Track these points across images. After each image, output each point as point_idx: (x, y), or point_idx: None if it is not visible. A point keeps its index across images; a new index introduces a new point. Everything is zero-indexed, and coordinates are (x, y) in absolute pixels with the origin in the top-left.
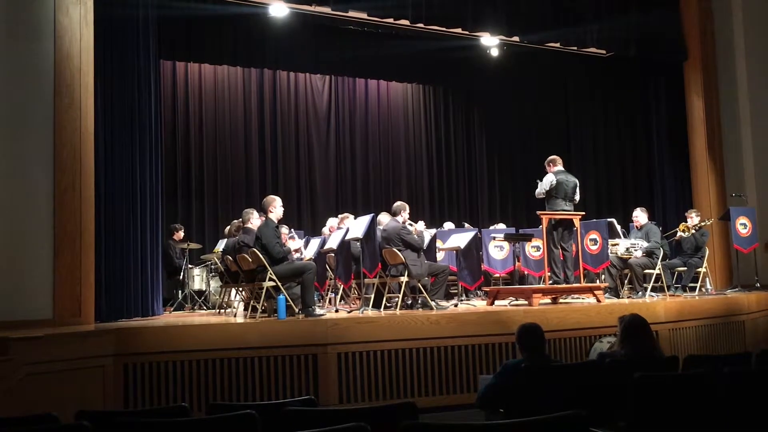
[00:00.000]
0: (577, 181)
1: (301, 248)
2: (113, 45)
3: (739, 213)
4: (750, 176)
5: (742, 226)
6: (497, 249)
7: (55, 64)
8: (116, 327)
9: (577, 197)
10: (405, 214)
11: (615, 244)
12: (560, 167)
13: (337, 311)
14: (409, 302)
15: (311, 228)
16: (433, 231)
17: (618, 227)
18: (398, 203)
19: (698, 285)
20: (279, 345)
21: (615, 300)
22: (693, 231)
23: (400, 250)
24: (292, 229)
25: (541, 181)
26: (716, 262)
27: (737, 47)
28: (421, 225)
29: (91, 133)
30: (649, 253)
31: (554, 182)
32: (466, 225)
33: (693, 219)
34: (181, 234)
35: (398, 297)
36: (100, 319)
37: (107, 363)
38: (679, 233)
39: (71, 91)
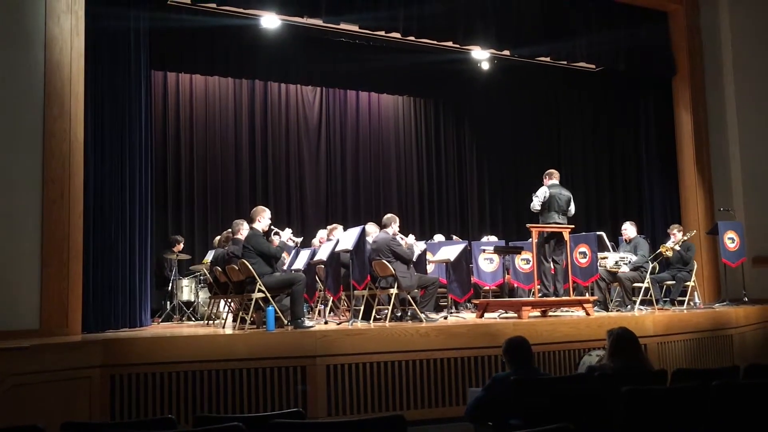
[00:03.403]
0: (571, 195)
1: (292, 237)
2: (104, 55)
3: (727, 227)
4: (738, 190)
5: (730, 240)
6: (487, 261)
7: (45, 74)
8: (103, 338)
9: (572, 211)
10: (395, 226)
11: (604, 258)
12: (555, 181)
13: (326, 323)
14: (399, 314)
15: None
16: (422, 244)
17: (607, 241)
18: (388, 215)
19: (687, 299)
20: (267, 357)
21: (604, 313)
22: (677, 247)
23: (389, 262)
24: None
25: (536, 194)
26: (704, 276)
27: (725, 62)
28: (411, 239)
29: (81, 143)
30: (638, 267)
31: (547, 195)
32: (455, 238)
33: (676, 236)
34: (180, 246)
35: (388, 309)
36: (88, 329)
37: (94, 374)
38: (664, 253)
39: (61, 101)
